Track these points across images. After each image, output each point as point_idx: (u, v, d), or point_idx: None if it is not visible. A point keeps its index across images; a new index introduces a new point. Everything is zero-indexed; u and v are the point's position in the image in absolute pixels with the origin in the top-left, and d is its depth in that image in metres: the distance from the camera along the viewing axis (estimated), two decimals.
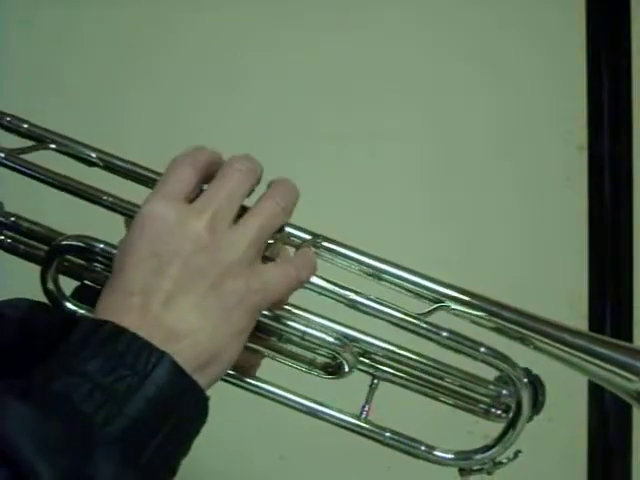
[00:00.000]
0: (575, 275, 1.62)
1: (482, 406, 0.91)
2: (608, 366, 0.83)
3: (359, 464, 1.60)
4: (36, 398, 0.67)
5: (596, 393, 1.62)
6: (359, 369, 0.88)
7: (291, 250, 0.84)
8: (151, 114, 1.58)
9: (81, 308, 0.84)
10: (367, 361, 0.88)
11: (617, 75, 1.60)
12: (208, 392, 0.74)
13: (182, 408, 0.71)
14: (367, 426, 0.87)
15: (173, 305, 0.73)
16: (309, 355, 0.88)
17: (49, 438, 0.65)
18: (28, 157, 0.86)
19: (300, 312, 0.84)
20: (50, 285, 0.83)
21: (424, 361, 0.87)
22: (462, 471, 0.90)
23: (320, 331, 0.83)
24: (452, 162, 1.62)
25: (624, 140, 1.60)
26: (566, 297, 1.60)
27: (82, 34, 1.61)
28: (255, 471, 1.62)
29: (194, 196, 0.77)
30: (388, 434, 0.87)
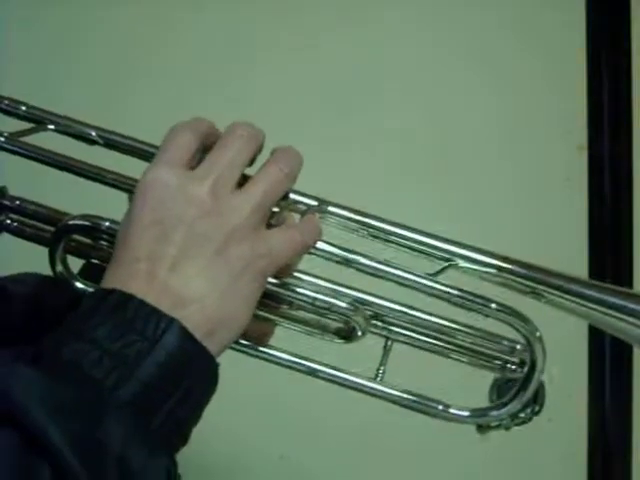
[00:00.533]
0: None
1: (497, 362, 0.91)
2: (623, 316, 0.83)
3: (359, 464, 1.60)
4: (46, 364, 0.68)
5: (596, 393, 1.62)
6: (372, 332, 0.88)
7: (297, 217, 0.84)
8: (151, 115, 1.58)
9: (90, 286, 0.84)
10: (379, 323, 0.89)
11: (617, 75, 1.60)
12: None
13: (192, 374, 0.71)
14: (383, 388, 0.87)
15: (179, 271, 0.73)
16: (321, 321, 0.88)
17: (59, 403, 0.65)
18: (28, 139, 0.86)
19: (309, 278, 0.84)
20: (59, 266, 0.84)
21: (436, 320, 0.87)
22: (480, 427, 0.90)
23: (330, 296, 0.83)
24: (452, 162, 1.62)
25: (624, 140, 1.60)
26: None
27: (82, 34, 1.61)
28: (255, 471, 1.62)
29: (195, 164, 0.77)
30: (405, 395, 0.87)
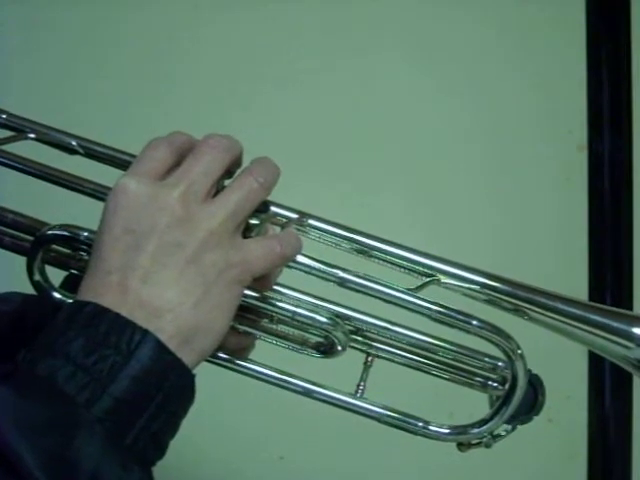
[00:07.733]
0: (575, 275, 1.61)
1: (479, 379, 0.91)
2: (605, 334, 0.82)
3: (359, 465, 1.61)
4: (19, 381, 0.67)
5: (596, 394, 1.61)
6: (352, 347, 0.88)
7: (278, 230, 0.83)
8: (152, 117, 1.58)
9: (69, 297, 0.83)
10: (360, 339, 0.88)
11: (617, 75, 1.59)
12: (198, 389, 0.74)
13: (167, 386, 0.70)
14: (363, 404, 0.86)
15: (152, 281, 0.72)
16: (301, 335, 0.87)
17: (32, 421, 0.65)
18: (8, 148, 0.85)
19: (289, 292, 0.83)
20: (37, 276, 0.83)
21: (417, 336, 0.86)
22: (461, 445, 0.89)
23: (310, 310, 0.82)
24: (451, 161, 1.61)
25: (624, 140, 1.59)
26: None
27: (82, 34, 1.61)
28: (255, 471, 1.62)
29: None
30: (385, 411, 0.86)
